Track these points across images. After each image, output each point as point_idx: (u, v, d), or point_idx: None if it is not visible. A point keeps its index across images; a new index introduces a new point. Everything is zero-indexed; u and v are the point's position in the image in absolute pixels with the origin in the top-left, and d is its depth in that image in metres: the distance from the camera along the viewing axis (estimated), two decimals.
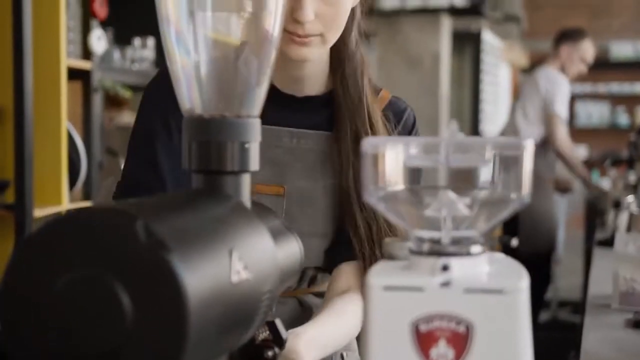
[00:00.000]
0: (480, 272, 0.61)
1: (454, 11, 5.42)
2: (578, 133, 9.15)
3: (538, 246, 4.05)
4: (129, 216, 0.53)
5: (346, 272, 1.25)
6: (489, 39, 7.21)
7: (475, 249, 0.62)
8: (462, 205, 0.62)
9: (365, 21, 1.32)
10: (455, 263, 0.61)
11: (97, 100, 2.69)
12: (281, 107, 1.25)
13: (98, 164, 2.72)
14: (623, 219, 2.62)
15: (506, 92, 8.04)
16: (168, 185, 1.17)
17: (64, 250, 0.53)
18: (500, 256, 0.67)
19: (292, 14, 1.14)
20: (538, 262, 4.16)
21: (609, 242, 2.51)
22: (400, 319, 0.59)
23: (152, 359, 0.51)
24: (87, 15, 2.68)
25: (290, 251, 0.76)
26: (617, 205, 2.97)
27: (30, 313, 0.53)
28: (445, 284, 0.59)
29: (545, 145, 4.24)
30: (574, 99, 9.15)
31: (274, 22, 0.72)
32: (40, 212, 2.42)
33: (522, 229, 3.85)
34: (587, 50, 4.34)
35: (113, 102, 3.75)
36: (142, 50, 3.02)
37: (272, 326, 0.75)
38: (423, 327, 0.59)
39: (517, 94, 7.57)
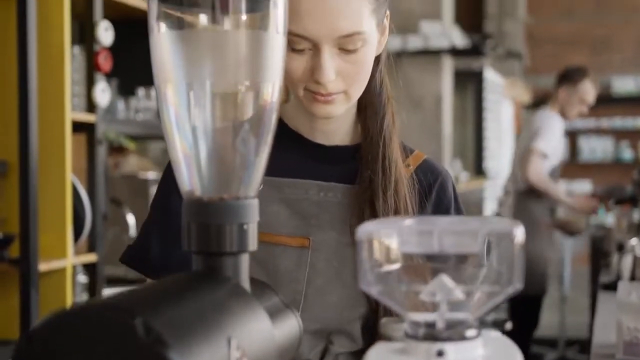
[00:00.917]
0: (476, 356, 0.62)
1: (455, 52, 5.47)
2: (582, 168, 9.19)
3: (528, 290, 4.03)
4: (128, 313, 0.54)
5: None
6: (491, 76, 7.25)
7: (470, 332, 0.63)
8: (456, 290, 0.63)
9: (389, 62, 1.27)
10: (450, 348, 0.61)
11: (101, 152, 2.72)
12: (309, 156, 1.23)
13: (102, 215, 2.74)
14: (627, 262, 2.61)
15: (509, 128, 8.06)
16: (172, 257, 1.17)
17: (64, 347, 0.54)
18: (496, 335, 0.67)
19: (313, 75, 1.11)
20: (527, 305, 4.15)
21: (613, 286, 2.50)
22: None
23: None
24: (91, 69, 2.71)
25: (289, 329, 0.77)
26: (621, 248, 2.97)
27: None
28: None
29: (529, 191, 4.20)
30: (576, 134, 9.21)
31: (272, 91, 0.72)
32: (45, 266, 2.43)
33: None
34: (587, 91, 4.27)
35: (119, 147, 3.77)
36: (146, 100, 3.05)
37: None
38: None
39: (520, 129, 7.60)
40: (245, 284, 0.71)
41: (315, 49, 1.10)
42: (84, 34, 2.80)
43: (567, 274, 5.64)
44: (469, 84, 7.04)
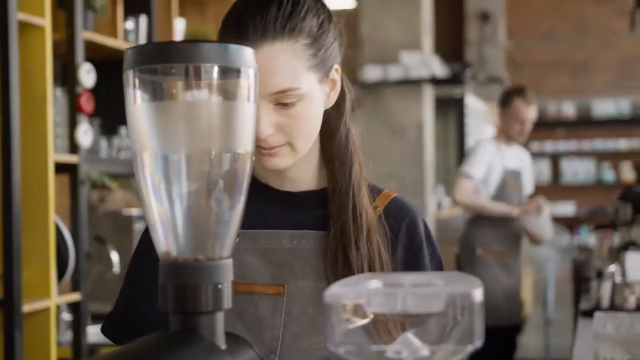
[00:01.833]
0: None
1: (435, 81, 5.54)
2: (564, 190, 9.27)
3: (502, 320, 4.05)
4: None
5: None
6: (472, 102, 7.33)
7: None
8: (422, 348, 0.66)
9: (354, 114, 1.29)
10: None
11: (84, 192, 2.74)
12: (280, 205, 1.26)
13: (86, 254, 2.75)
14: (606, 290, 2.65)
15: None
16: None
17: None
18: None
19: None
20: (504, 333, 4.15)
21: (592, 313, 2.53)
22: None
23: None
24: (73, 111, 2.73)
25: None
26: (600, 275, 3.00)
27: None
28: None
29: (476, 219, 4.24)
30: (559, 156, 9.31)
31: (244, 155, 0.75)
32: (29, 306, 2.44)
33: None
34: (519, 109, 4.15)
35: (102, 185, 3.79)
36: (129, 139, 3.07)
37: None
38: None
39: None
40: (220, 341, 0.74)
41: None
42: (66, 76, 2.83)
43: (551, 295, 5.67)
44: (451, 110, 7.11)
